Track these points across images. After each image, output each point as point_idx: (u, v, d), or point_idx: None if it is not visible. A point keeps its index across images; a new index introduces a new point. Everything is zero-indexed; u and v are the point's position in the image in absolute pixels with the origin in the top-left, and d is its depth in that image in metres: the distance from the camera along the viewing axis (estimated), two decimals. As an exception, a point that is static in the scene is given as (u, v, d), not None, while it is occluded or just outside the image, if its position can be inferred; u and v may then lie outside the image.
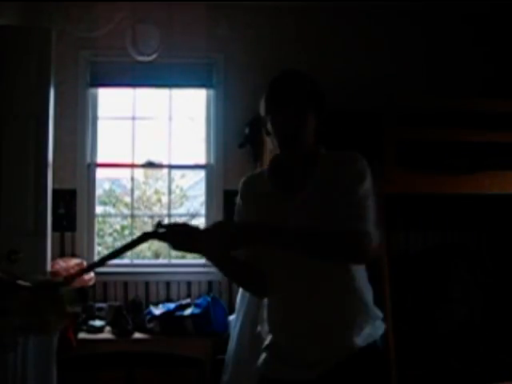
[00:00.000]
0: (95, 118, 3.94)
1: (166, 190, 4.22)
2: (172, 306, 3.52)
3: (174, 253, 4.17)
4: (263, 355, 1.81)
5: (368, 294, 1.78)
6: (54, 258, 3.49)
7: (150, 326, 3.43)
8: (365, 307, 1.75)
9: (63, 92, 3.65)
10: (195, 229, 1.64)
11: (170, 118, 4.01)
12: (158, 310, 3.48)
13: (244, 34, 3.96)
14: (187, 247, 1.64)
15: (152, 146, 4.03)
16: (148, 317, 3.47)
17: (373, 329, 1.75)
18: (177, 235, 1.63)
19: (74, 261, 3.65)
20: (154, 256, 4.34)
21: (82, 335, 3.35)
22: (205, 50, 3.94)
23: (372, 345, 1.73)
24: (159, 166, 4.10)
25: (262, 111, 1.83)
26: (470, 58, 4.08)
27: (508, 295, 3.69)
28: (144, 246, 4.42)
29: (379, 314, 1.81)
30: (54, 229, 3.38)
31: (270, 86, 1.83)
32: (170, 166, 4.09)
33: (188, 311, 3.44)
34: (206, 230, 1.67)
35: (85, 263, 3.68)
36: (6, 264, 3.07)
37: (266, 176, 1.81)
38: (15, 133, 3.19)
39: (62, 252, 3.78)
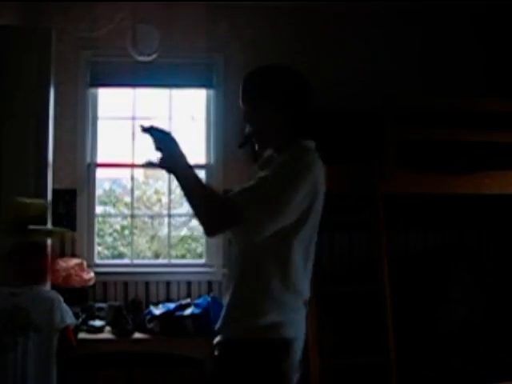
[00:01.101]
0: (95, 118, 3.94)
1: (166, 190, 4.22)
2: (172, 305, 3.52)
3: (174, 253, 4.18)
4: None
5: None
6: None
7: (150, 326, 3.43)
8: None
9: (63, 92, 3.65)
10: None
11: (170, 118, 4.01)
12: (158, 310, 3.48)
13: (244, 34, 3.96)
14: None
15: (152, 145, 4.02)
16: (148, 317, 3.47)
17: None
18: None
19: (74, 261, 3.65)
20: (154, 256, 4.34)
21: (82, 335, 3.34)
22: (205, 50, 3.94)
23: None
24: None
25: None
26: (469, 58, 4.08)
27: (508, 295, 3.69)
28: (144, 246, 4.43)
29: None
30: (54, 229, 3.39)
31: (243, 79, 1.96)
32: (170, 166, 4.08)
33: (188, 311, 3.44)
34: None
35: (84, 263, 3.68)
36: (5, 264, 3.07)
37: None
38: (15, 133, 3.20)
39: (61, 252, 3.78)
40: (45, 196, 3.23)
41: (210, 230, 1.76)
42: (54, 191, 3.38)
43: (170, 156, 1.74)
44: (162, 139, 1.75)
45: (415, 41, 4.06)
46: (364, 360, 2.97)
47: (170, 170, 1.76)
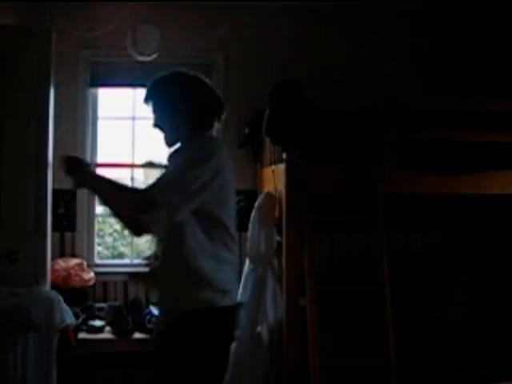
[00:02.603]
0: (95, 118, 3.94)
1: (165, 190, 4.22)
2: (172, 305, 3.52)
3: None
4: None
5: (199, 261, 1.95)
6: (53, 258, 3.50)
7: (150, 326, 3.43)
8: (192, 273, 1.95)
9: (63, 92, 3.65)
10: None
11: (170, 118, 4.00)
12: (158, 310, 3.48)
13: (243, 34, 3.96)
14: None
15: (152, 146, 4.03)
16: (148, 317, 3.47)
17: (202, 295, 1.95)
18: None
19: (74, 261, 3.65)
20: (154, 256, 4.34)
21: (81, 335, 3.34)
22: (205, 50, 3.94)
23: (198, 310, 1.94)
24: (159, 166, 4.10)
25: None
26: (469, 58, 4.08)
27: (508, 295, 3.69)
28: (144, 246, 4.42)
29: (218, 284, 1.97)
30: (53, 229, 3.39)
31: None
32: (170, 166, 4.08)
33: (188, 311, 3.43)
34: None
35: (84, 263, 3.68)
36: (5, 264, 3.07)
37: None
38: (15, 133, 3.20)
39: (61, 252, 3.77)
40: (45, 196, 3.23)
41: (136, 228, 2.11)
42: (54, 191, 3.38)
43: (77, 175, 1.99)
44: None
45: (415, 41, 4.06)
46: (364, 360, 2.97)
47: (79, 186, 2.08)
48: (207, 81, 2.20)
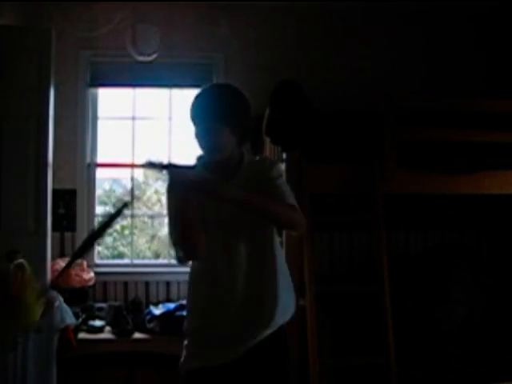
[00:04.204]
0: (95, 118, 3.94)
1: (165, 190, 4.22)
2: (172, 306, 3.52)
3: (174, 253, 4.17)
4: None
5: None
6: (53, 258, 3.49)
7: (150, 326, 3.43)
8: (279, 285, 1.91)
9: (63, 92, 3.66)
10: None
11: (170, 118, 4.01)
12: (157, 310, 3.49)
13: (244, 34, 3.96)
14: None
15: (152, 145, 4.03)
16: (148, 317, 3.47)
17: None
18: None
19: (74, 261, 3.65)
20: (154, 256, 4.34)
21: (82, 335, 3.34)
22: (205, 50, 3.95)
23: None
24: (159, 165, 4.09)
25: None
26: (470, 58, 4.08)
27: (508, 295, 3.69)
28: (144, 246, 4.42)
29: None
30: (53, 229, 3.39)
31: (194, 99, 1.95)
32: (170, 166, 4.08)
33: (188, 311, 3.43)
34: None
35: (84, 263, 3.68)
36: (5, 264, 3.07)
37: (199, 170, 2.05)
38: (15, 133, 3.20)
39: (61, 252, 3.78)
40: (45, 196, 3.23)
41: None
42: (54, 191, 3.39)
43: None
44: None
45: (415, 41, 4.06)
46: (364, 360, 2.97)
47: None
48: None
